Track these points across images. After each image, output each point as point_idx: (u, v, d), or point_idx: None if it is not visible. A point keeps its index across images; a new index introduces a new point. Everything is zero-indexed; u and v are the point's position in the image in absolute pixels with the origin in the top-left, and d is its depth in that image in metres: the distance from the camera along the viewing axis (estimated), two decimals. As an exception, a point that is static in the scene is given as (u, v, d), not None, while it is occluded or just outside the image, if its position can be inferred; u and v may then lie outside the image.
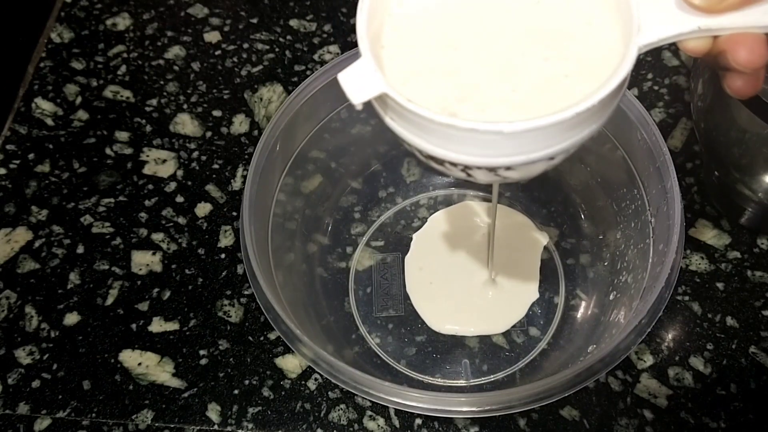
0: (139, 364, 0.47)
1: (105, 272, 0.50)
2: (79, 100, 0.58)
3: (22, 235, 0.52)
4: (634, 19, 0.27)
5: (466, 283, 0.50)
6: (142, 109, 0.57)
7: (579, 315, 0.48)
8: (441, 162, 0.29)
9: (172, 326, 0.48)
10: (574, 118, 0.27)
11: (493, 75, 0.30)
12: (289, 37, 0.60)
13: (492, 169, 0.29)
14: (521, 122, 0.26)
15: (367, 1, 0.29)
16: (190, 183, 0.54)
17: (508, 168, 0.29)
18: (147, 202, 0.53)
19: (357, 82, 0.28)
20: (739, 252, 0.49)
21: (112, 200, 0.53)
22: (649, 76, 0.57)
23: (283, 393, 0.46)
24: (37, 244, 0.52)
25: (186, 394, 0.46)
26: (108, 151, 0.55)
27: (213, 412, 0.45)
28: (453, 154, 0.28)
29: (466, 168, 0.29)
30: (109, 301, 0.49)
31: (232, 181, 0.54)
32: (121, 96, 0.58)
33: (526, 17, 0.31)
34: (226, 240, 0.52)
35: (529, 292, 0.50)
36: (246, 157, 0.55)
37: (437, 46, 0.30)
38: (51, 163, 0.55)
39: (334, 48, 0.59)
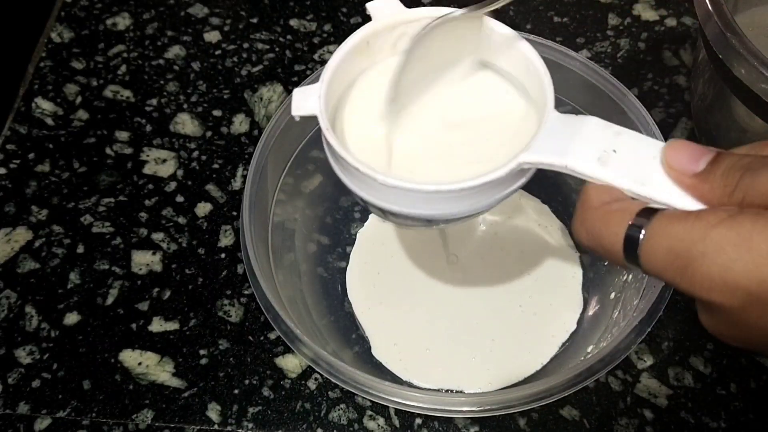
0: (139, 363, 0.47)
1: (105, 272, 0.50)
2: (79, 99, 0.58)
3: (22, 235, 0.52)
4: (533, 137, 0.30)
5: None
6: (142, 108, 0.57)
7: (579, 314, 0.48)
8: (347, 188, 0.33)
9: (172, 326, 0.48)
10: (435, 194, 0.30)
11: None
12: (289, 36, 0.60)
13: (381, 210, 0.32)
14: (393, 179, 0.30)
15: (347, 47, 0.33)
16: (190, 183, 0.54)
17: (392, 213, 0.32)
18: (147, 202, 0.53)
19: (303, 100, 0.32)
20: (739, 252, 0.49)
21: (112, 200, 0.53)
22: (649, 76, 0.57)
23: (283, 393, 0.46)
24: (37, 243, 0.52)
25: (186, 394, 0.46)
26: (108, 150, 0.55)
27: (213, 411, 0.45)
28: (349, 183, 0.32)
29: (362, 199, 0.32)
30: (109, 300, 0.49)
31: (232, 180, 0.54)
32: (121, 96, 0.58)
33: (454, 110, 0.35)
34: (226, 240, 0.52)
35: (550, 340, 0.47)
36: (246, 157, 0.55)
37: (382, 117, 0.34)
38: (51, 162, 0.55)
39: (334, 48, 0.59)
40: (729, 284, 0.23)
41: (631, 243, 0.26)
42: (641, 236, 0.26)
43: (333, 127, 0.32)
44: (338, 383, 0.38)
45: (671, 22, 0.60)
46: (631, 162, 0.28)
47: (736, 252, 0.23)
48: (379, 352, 0.47)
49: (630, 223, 0.26)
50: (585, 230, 0.28)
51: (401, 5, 0.34)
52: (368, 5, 0.34)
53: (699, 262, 0.24)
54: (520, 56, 0.33)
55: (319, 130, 0.32)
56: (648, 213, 0.26)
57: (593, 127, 0.29)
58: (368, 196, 0.31)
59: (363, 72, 0.35)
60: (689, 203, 0.26)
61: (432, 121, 0.34)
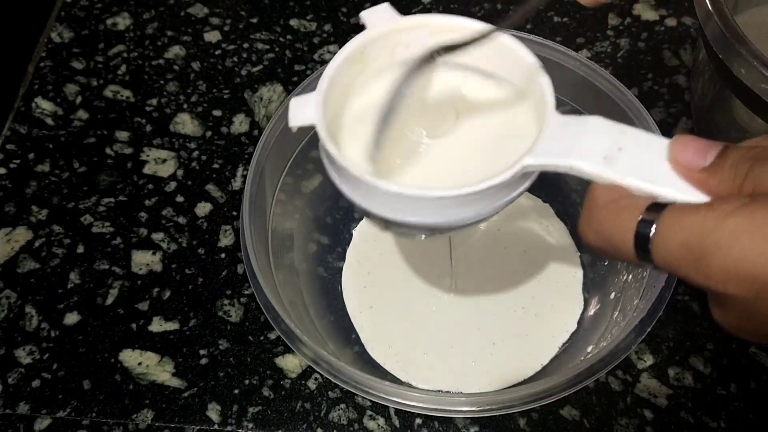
0: (139, 363, 0.47)
1: (105, 272, 0.50)
2: (79, 99, 0.58)
3: (22, 235, 0.52)
4: (535, 142, 0.30)
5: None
6: (142, 108, 0.57)
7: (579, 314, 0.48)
8: (347, 198, 0.32)
9: (172, 326, 0.48)
10: (440, 200, 0.29)
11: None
12: (289, 36, 0.60)
13: (384, 220, 0.31)
14: (395, 185, 0.29)
15: (343, 56, 0.33)
16: (190, 183, 0.54)
17: (395, 223, 0.31)
18: (147, 202, 0.53)
19: (300, 110, 0.31)
20: (739, 252, 0.49)
21: (112, 200, 0.53)
22: (649, 75, 0.57)
23: (283, 393, 0.46)
24: (37, 243, 0.52)
25: (186, 394, 0.46)
26: (108, 150, 0.55)
27: (213, 411, 0.45)
28: (349, 193, 0.31)
29: (363, 209, 0.31)
30: (109, 300, 0.49)
31: (232, 180, 0.54)
32: (121, 96, 0.58)
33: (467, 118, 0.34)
34: (226, 240, 0.52)
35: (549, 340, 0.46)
36: (246, 157, 0.55)
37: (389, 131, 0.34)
38: (51, 162, 0.55)
39: (334, 48, 0.59)
40: (745, 275, 0.23)
41: (642, 239, 0.25)
42: (652, 231, 0.25)
43: (331, 135, 0.31)
44: (338, 383, 0.38)
45: (671, 22, 0.60)
46: (637, 160, 0.27)
47: (752, 241, 0.22)
48: (376, 354, 0.47)
49: (640, 218, 0.25)
50: (593, 230, 0.27)
51: (395, 13, 0.34)
52: (362, 14, 0.34)
53: (713, 255, 0.23)
54: (513, 56, 0.33)
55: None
56: (658, 207, 0.25)
57: (597, 126, 0.29)
58: (369, 206, 0.31)
59: (362, 80, 0.34)
60: (698, 198, 0.26)
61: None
